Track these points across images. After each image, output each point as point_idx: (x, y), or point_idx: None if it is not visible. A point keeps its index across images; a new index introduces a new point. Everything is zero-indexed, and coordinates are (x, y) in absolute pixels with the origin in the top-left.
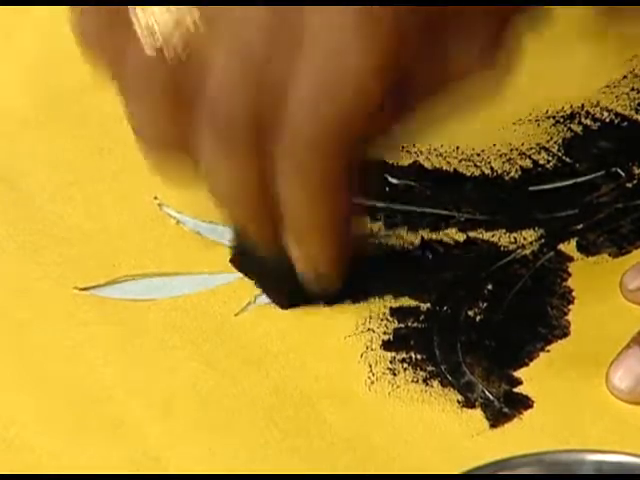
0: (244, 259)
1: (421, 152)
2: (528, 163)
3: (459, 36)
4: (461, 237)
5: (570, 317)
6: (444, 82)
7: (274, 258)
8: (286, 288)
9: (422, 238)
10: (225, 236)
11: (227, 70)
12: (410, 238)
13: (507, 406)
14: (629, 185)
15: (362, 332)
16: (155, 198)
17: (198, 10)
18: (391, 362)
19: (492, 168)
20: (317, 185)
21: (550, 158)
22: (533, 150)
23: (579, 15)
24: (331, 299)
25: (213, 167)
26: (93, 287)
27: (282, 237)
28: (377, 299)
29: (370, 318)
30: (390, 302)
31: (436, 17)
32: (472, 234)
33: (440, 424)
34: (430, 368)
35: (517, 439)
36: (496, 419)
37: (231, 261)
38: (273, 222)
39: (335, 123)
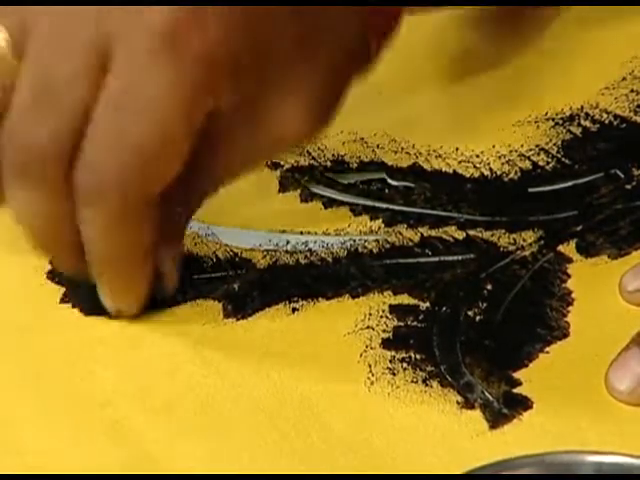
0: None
1: (420, 153)
2: (527, 164)
3: (283, 97)
4: (461, 235)
5: (569, 318)
6: (264, 148)
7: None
8: (91, 302)
9: (422, 235)
10: (223, 237)
11: (24, 99)
12: (409, 235)
13: (507, 407)
14: (628, 187)
15: (361, 329)
16: None
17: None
18: (391, 362)
19: (491, 169)
20: (112, 224)
21: (549, 160)
22: (532, 152)
23: (579, 17)
24: None
25: (13, 197)
26: None
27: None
28: (376, 295)
29: (369, 315)
30: (389, 299)
31: (258, 57)
32: (472, 233)
33: (440, 425)
34: (430, 368)
35: (517, 440)
36: (496, 420)
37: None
38: (77, 251)
39: (134, 160)
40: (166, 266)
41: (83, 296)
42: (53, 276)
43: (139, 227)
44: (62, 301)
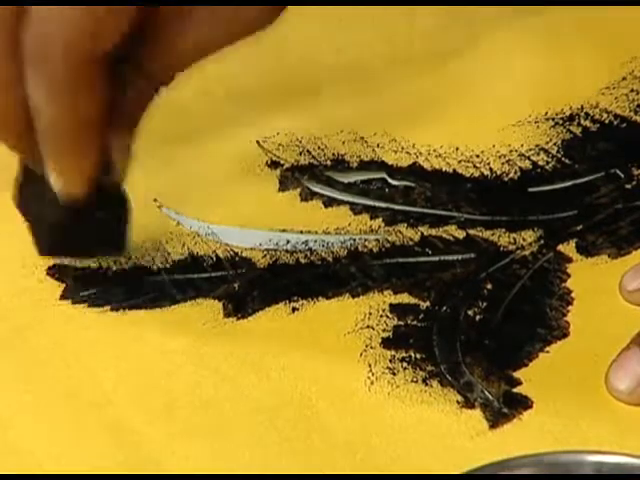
0: (22, 198)
1: (420, 153)
2: (527, 164)
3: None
4: (461, 234)
5: (569, 318)
6: (220, 39)
7: (44, 196)
8: (47, 235)
9: (422, 234)
10: (223, 236)
11: None
12: (410, 234)
13: (506, 406)
14: (628, 186)
15: (361, 329)
16: (155, 200)
17: None
18: (390, 361)
19: (491, 169)
20: (58, 87)
21: (549, 159)
22: (532, 151)
23: (579, 17)
24: (84, 250)
25: None
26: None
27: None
28: (376, 294)
29: (369, 314)
30: (389, 298)
31: None
32: (472, 232)
33: (440, 425)
34: (430, 368)
35: (516, 440)
36: (495, 419)
37: (13, 197)
38: (26, 126)
39: (78, 19)
40: (116, 154)
41: (42, 234)
42: (53, 273)
43: (87, 92)
44: (62, 298)
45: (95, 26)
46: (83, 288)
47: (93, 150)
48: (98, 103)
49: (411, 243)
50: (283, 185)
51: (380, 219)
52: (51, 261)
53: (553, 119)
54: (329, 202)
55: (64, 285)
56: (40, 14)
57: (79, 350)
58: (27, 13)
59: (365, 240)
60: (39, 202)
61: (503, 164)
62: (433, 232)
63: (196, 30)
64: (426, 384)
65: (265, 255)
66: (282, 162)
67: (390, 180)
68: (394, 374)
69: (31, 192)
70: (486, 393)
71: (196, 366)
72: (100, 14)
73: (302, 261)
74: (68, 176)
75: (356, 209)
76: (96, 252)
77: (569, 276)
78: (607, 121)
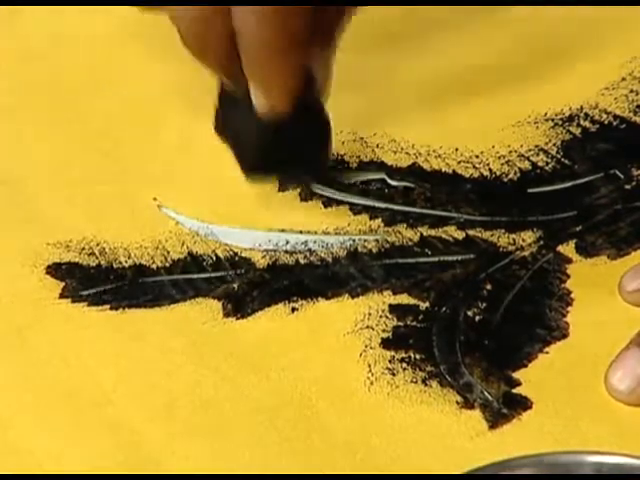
0: (223, 123)
1: (420, 154)
2: (527, 165)
3: None
4: (460, 235)
5: (569, 319)
6: None
7: (244, 114)
8: (252, 154)
9: (421, 235)
10: (223, 236)
11: None
12: (409, 235)
13: (506, 407)
14: (628, 187)
15: (361, 329)
16: (154, 199)
17: None
18: (390, 361)
19: (491, 170)
20: (270, 8)
21: (549, 160)
22: (532, 152)
23: (579, 17)
24: (294, 159)
25: (179, 11)
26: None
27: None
28: (376, 295)
29: (369, 315)
30: (389, 299)
31: None
32: (471, 232)
33: (439, 425)
34: (429, 368)
35: (516, 440)
36: (495, 420)
37: (215, 127)
38: (230, 49)
39: None
40: (319, 71)
41: (243, 154)
42: (52, 271)
43: (297, 10)
44: (61, 297)
45: None
46: (83, 287)
47: (298, 67)
48: (299, 15)
49: (410, 244)
50: (283, 185)
51: (379, 219)
52: (50, 261)
53: (552, 120)
54: (329, 202)
55: (64, 284)
56: None
57: (79, 349)
58: None
59: (364, 241)
60: (241, 124)
61: (502, 165)
62: (432, 233)
63: None
64: (426, 384)
65: (265, 255)
66: None
67: (390, 181)
68: (394, 374)
69: (231, 115)
70: (486, 394)
71: (196, 366)
72: None
73: (302, 262)
74: (273, 94)
75: (355, 209)
76: (298, 171)
77: (569, 277)
78: (606, 122)
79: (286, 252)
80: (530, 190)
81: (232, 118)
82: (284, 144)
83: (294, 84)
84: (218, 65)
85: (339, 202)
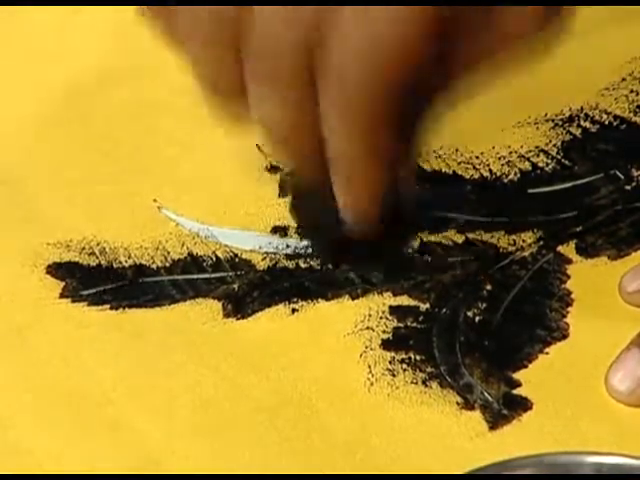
0: (301, 210)
1: (420, 154)
2: (527, 166)
3: None
4: (460, 239)
5: (569, 319)
6: (496, 44)
7: (324, 208)
8: (332, 242)
9: (421, 240)
10: (223, 238)
11: (274, 12)
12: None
13: (506, 408)
14: (628, 187)
15: (361, 330)
16: (154, 200)
17: None
18: (390, 362)
19: (491, 171)
20: (359, 122)
21: (549, 161)
22: (532, 153)
23: (579, 17)
24: (373, 255)
25: (262, 106)
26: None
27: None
28: (376, 296)
29: (369, 316)
30: (389, 300)
31: None
32: (471, 235)
33: (439, 426)
34: (429, 369)
35: (516, 441)
36: (495, 421)
37: (290, 211)
38: (322, 161)
39: (378, 66)
40: (402, 171)
41: (322, 244)
42: (52, 271)
43: (385, 130)
44: (61, 297)
45: (395, 64)
46: (83, 287)
47: (384, 180)
48: (395, 137)
49: (410, 250)
50: (283, 190)
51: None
52: (50, 261)
53: (553, 120)
54: None
55: (64, 284)
56: (341, 62)
57: (79, 349)
58: (326, 60)
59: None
60: (321, 215)
61: (503, 165)
62: (432, 238)
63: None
64: (426, 385)
65: (265, 258)
66: (281, 167)
67: None
68: (394, 375)
69: (312, 204)
70: (486, 394)
71: (196, 365)
72: (400, 51)
73: (302, 266)
74: (359, 207)
75: None
76: (376, 269)
77: (569, 277)
78: (607, 122)
79: (286, 256)
80: (530, 191)
81: (311, 206)
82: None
83: (378, 190)
84: (309, 173)
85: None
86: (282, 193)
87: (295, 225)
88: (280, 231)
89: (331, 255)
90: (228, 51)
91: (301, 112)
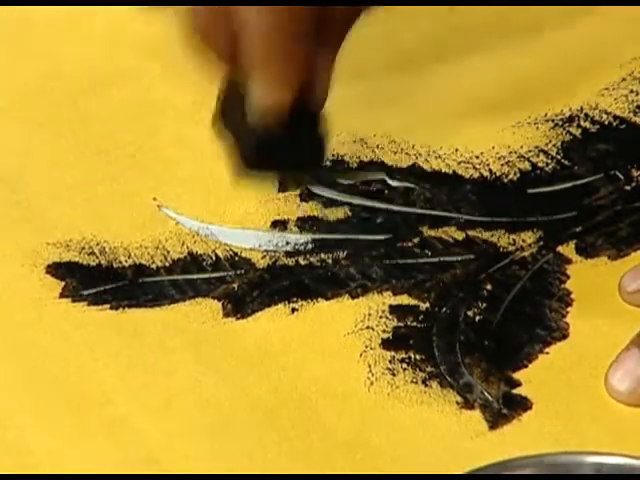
0: (223, 121)
1: (420, 154)
2: (527, 166)
3: None
4: (460, 236)
5: (569, 319)
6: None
7: (245, 117)
8: (249, 153)
9: (421, 236)
10: (223, 237)
11: None
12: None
13: (506, 407)
14: (628, 188)
15: (361, 330)
16: (154, 199)
17: None
18: (390, 362)
19: (491, 170)
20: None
21: (549, 161)
22: (532, 153)
23: (579, 17)
24: (283, 166)
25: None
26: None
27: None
28: (376, 295)
29: (369, 315)
30: (389, 299)
31: None
32: (471, 233)
33: (439, 425)
34: (429, 369)
35: (516, 441)
36: (495, 420)
37: (213, 117)
38: (233, 44)
39: None
40: (319, 73)
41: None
42: (52, 271)
43: (297, 7)
44: (61, 296)
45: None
46: (83, 287)
47: (299, 61)
48: (311, 16)
49: (410, 245)
50: (283, 186)
51: (380, 220)
52: (49, 260)
53: (552, 120)
54: (329, 203)
55: (64, 284)
56: None
57: (79, 349)
58: None
59: (364, 241)
60: (240, 122)
61: (502, 165)
62: (432, 234)
63: None
64: (426, 385)
65: (265, 256)
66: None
67: (390, 181)
68: (394, 375)
69: (231, 114)
70: (486, 394)
71: (196, 365)
72: None
73: (301, 263)
74: (274, 87)
75: (356, 210)
76: (293, 172)
77: (569, 277)
78: (606, 122)
79: (286, 253)
80: (530, 191)
81: (231, 117)
82: (281, 144)
83: (293, 78)
84: (224, 59)
85: (339, 203)
86: (282, 189)
87: (294, 219)
88: (280, 225)
89: (249, 160)
90: None
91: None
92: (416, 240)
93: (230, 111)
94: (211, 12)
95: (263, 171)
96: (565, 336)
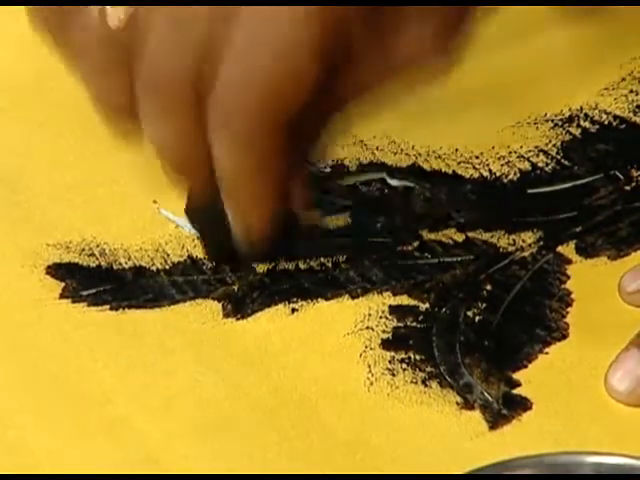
0: (196, 212)
1: (420, 154)
2: (527, 166)
3: (411, 19)
4: (460, 237)
5: (569, 319)
6: (393, 68)
7: (218, 223)
8: (221, 244)
9: (421, 238)
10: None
11: (165, 33)
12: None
13: (506, 408)
14: (627, 188)
15: (361, 330)
16: (154, 202)
17: None
18: (390, 362)
19: (491, 170)
20: (243, 144)
21: (549, 161)
22: (532, 153)
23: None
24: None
25: (151, 123)
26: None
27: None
28: (376, 295)
29: (369, 315)
30: (389, 299)
31: None
32: (471, 235)
33: (439, 426)
34: (429, 369)
35: (516, 441)
36: (495, 421)
37: (185, 211)
38: (207, 170)
39: (264, 92)
40: (294, 186)
41: (211, 244)
42: (52, 272)
43: (270, 155)
44: (61, 297)
45: (279, 104)
46: (83, 287)
47: (273, 198)
48: (279, 157)
49: (410, 248)
50: None
51: (380, 221)
52: (49, 261)
53: (552, 120)
54: (328, 207)
55: (64, 284)
56: (226, 80)
57: (79, 349)
58: (214, 86)
59: (364, 245)
60: (212, 221)
61: (502, 165)
62: (432, 236)
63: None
64: (425, 385)
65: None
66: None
67: (390, 180)
68: (394, 375)
69: (204, 211)
70: (485, 394)
71: (195, 366)
72: (286, 83)
73: (301, 266)
74: (248, 214)
75: (355, 213)
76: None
77: (568, 277)
78: (606, 122)
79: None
80: (530, 191)
81: (204, 212)
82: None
83: (269, 208)
84: (198, 188)
85: (339, 205)
86: None
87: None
88: None
89: (217, 256)
90: (118, 74)
91: (190, 135)
92: (416, 244)
93: (201, 209)
94: (183, 147)
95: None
96: (565, 336)
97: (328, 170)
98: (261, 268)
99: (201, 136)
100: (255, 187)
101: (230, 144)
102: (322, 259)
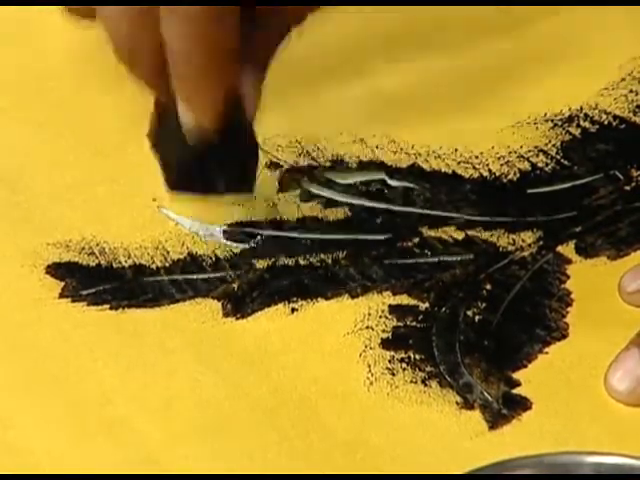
0: (156, 139)
1: (420, 154)
2: (526, 166)
3: None
4: (460, 235)
5: (569, 319)
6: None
7: (174, 135)
8: (177, 171)
9: (421, 236)
10: (222, 238)
11: None
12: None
13: (506, 408)
14: (627, 188)
15: (361, 330)
16: (154, 200)
17: None
18: (390, 362)
19: (490, 170)
20: (190, 20)
21: (548, 161)
22: (531, 153)
23: (579, 17)
24: (212, 187)
25: (102, 10)
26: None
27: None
28: (375, 295)
29: (369, 315)
30: (388, 299)
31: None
32: (471, 233)
33: (439, 425)
34: (429, 368)
35: (516, 441)
36: (495, 421)
37: (147, 135)
38: (159, 62)
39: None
40: (247, 91)
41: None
42: (52, 271)
43: (217, 24)
44: (61, 297)
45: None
46: (82, 287)
47: (223, 83)
48: (228, 35)
49: (410, 244)
50: (282, 186)
51: (379, 220)
52: (49, 261)
53: (552, 120)
54: (328, 203)
55: (63, 284)
56: None
57: (78, 349)
58: None
59: (364, 242)
60: (171, 140)
61: (502, 165)
62: (432, 234)
63: None
64: (425, 385)
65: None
66: (281, 163)
67: (389, 181)
68: (393, 375)
69: (163, 131)
70: (485, 394)
71: (195, 365)
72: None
73: (301, 263)
74: (199, 109)
75: (355, 210)
76: (224, 190)
77: (568, 277)
78: (606, 122)
79: (286, 253)
80: (530, 191)
81: (163, 133)
82: (209, 162)
83: (221, 102)
84: (149, 79)
85: (339, 203)
86: (282, 189)
87: (294, 220)
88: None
89: (177, 179)
90: None
91: (140, 20)
92: (416, 240)
93: (161, 130)
94: (133, 28)
95: (189, 191)
96: (565, 336)
97: (328, 164)
98: (261, 264)
99: (151, 23)
100: (205, 70)
101: (179, 26)
102: (322, 255)
